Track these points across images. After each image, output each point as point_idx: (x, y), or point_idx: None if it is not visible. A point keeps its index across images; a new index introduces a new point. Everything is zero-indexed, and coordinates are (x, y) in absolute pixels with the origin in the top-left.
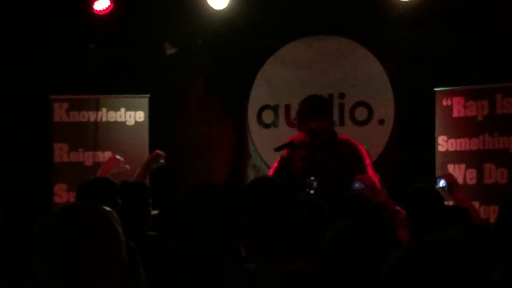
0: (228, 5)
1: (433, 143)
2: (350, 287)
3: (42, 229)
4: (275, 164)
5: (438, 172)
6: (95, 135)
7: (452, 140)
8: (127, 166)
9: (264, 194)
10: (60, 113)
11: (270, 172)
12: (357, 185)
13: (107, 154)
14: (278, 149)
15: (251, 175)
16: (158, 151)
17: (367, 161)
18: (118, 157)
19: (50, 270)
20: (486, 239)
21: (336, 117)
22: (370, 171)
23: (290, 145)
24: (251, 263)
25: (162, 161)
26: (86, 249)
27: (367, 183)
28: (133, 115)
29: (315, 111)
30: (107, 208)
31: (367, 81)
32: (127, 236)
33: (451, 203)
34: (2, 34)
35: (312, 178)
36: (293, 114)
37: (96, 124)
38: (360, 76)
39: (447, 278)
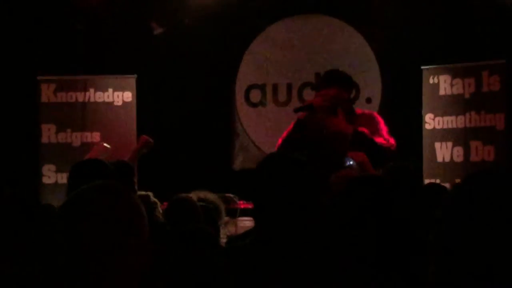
0: None
1: (420, 121)
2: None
3: (70, 206)
4: (290, 127)
5: (425, 150)
6: (82, 116)
7: (439, 118)
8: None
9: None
10: (48, 93)
11: (284, 134)
12: (350, 162)
13: (95, 135)
14: (297, 110)
15: (239, 154)
16: (146, 137)
17: (382, 125)
18: (106, 145)
19: (76, 247)
20: None
21: None
22: (385, 134)
23: (309, 108)
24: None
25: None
26: (114, 225)
27: (358, 160)
28: (120, 95)
29: (326, 79)
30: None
31: (354, 60)
32: None
33: None
34: None
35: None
36: (280, 93)
37: (84, 104)
38: (347, 55)
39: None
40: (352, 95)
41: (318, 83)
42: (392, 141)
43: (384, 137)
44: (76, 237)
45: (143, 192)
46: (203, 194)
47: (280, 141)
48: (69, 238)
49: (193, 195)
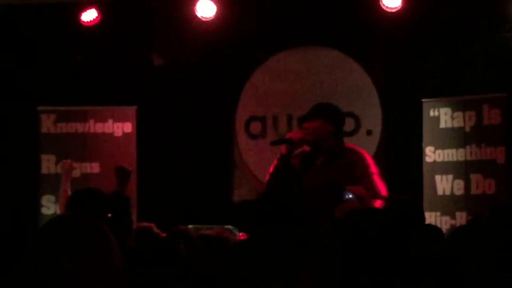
0: (215, 15)
1: (420, 153)
2: None
3: (40, 233)
4: (275, 162)
5: (426, 183)
6: (82, 146)
7: (439, 151)
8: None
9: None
10: (48, 124)
11: (271, 169)
12: (348, 195)
13: (95, 166)
14: (274, 143)
15: (239, 186)
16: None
17: (373, 169)
18: (68, 161)
19: (47, 272)
20: None
21: None
22: (377, 179)
23: (286, 141)
24: None
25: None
26: (82, 250)
27: (357, 194)
28: (120, 126)
29: (310, 113)
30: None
31: (355, 92)
32: None
33: None
34: None
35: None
36: (280, 124)
37: (84, 135)
38: (348, 87)
39: None
40: (339, 127)
41: (305, 115)
42: (381, 186)
43: (370, 184)
44: (48, 262)
45: (146, 224)
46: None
47: (267, 177)
48: (41, 264)
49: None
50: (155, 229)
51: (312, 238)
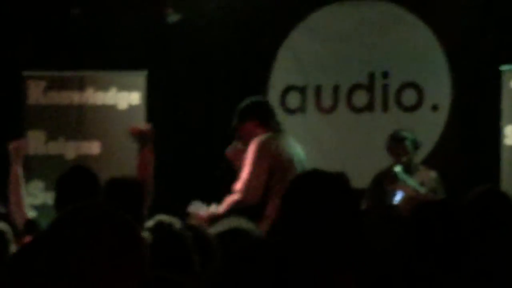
0: None
1: (498, 134)
2: None
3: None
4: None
5: (504, 170)
6: (78, 122)
7: None
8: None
9: None
10: (36, 94)
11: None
12: (398, 196)
13: (95, 145)
14: (218, 174)
15: None
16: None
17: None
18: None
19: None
20: None
21: (378, 100)
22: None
23: (229, 164)
24: None
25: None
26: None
27: (409, 194)
28: (126, 97)
29: (238, 118)
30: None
31: (417, 57)
32: None
33: None
34: None
35: None
36: (324, 97)
37: (80, 107)
38: (408, 51)
39: None
40: (266, 117)
41: (235, 123)
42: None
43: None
44: (62, 263)
45: (166, 218)
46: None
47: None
48: (54, 264)
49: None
50: (176, 226)
51: (355, 234)
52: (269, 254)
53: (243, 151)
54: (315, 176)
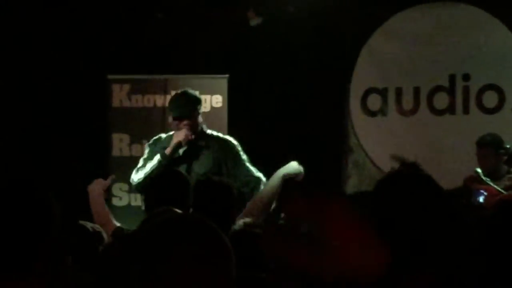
0: None
1: None
2: None
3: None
4: None
5: None
6: (162, 124)
7: None
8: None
9: None
10: (120, 96)
11: None
12: (481, 196)
13: None
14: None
15: (352, 174)
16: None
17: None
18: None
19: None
20: None
21: (459, 103)
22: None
23: (178, 146)
24: None
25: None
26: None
27: (492, 193)
28: (209, 100)
29: (186, 110)
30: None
31: (498, 59)
32: None
33: None
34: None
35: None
36: (405, 99)
37: (164, 110)
38: (489, 53)
39: None
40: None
41: (181, 115)
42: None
43: (492, 187)
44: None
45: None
46: None
47: None
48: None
49: None
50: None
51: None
52: None
53: None
54: (407, 178)
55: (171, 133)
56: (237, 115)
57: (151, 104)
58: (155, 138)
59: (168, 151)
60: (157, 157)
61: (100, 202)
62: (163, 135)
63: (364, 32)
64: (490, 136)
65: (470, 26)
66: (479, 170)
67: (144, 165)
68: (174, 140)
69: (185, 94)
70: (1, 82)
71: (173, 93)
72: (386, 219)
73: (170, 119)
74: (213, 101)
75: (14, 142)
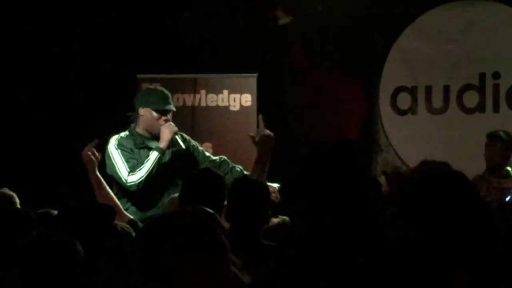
0: None
1: None
2: None
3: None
4: None
5: None
6: (192, 123)
7: None
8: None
9: None
10: None
11: None
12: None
13: (206, 146)
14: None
15: (380, 174)
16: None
17: None
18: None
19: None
20: None
21: (489, 101)
22: None
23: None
24: None
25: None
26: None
27: None
28: (238, 99)
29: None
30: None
31: None
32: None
33: None
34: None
35: None
36: (435, 97)
37: (194, 109)
38: None
39: None
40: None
41: (166, 108)
42: None
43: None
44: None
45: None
46: None
47: None
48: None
49: None
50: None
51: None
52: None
53: None
54: (439, 174)
55: (122, 134)
56: (266, 114)
57: (181, 103)
58: (117, 140)
59: (163, 145)
60: (155, 154)
61: (102, 185)
62: (122, 134)
63: (394, 30)
64: (504, 132)
65: (499, 24)
66: (509, 168)
67: (137, 165)
68: (167, 134)
69: (162, 88)
70: (32, 81)
71: (202, 92)
72: (420, 217)
73: (142, 111)
74: (242, 100)
75: (46, 141)
